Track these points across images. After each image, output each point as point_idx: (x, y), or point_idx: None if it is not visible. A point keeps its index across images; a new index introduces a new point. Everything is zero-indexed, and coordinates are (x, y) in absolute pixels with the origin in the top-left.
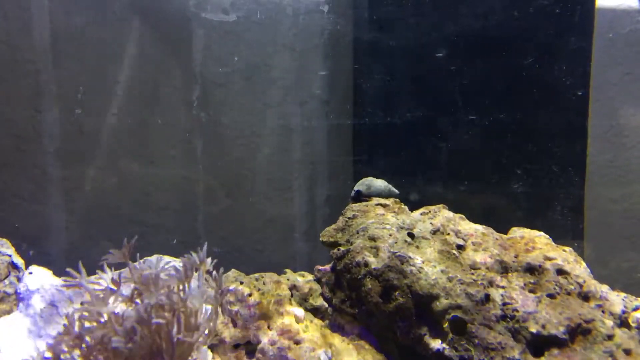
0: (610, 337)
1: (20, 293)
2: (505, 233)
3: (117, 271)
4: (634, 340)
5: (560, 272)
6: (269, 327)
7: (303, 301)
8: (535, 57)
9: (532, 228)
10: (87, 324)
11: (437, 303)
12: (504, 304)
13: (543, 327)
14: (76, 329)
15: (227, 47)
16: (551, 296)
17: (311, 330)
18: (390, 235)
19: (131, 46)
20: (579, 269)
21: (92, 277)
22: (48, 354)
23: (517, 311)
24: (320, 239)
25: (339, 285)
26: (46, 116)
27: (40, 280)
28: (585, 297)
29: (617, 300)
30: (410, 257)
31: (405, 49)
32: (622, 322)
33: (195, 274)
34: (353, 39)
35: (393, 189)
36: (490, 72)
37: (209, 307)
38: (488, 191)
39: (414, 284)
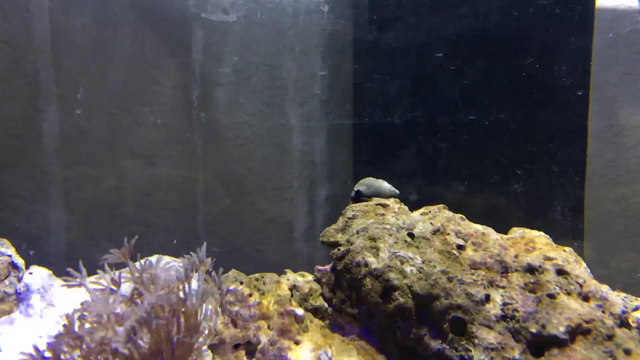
0: (610, 337)
1: (20, 293)
2: (505, 233)
3: (117, 271)
4: (634, 340)
5: (561, 272)
6: (269, 327)
7: (303, 301)
8: (535, 57)
9: (532, 228)
10: (87, 325)
11: (437, 303)
12: (504, 304)
13: (543, 327)
14: (76, 329)
15: (227, 47)
16: (551, 296)
17: (311, 331)
18: (391, 235)
19: (131, 46)
20: (579, 269)
21: (92, 277)
22: (48, 354)
23: (517, 311)
24: (320, 239)
25: (339, 286)
26: (46, 116)
27: (40, 280)
28: (585, 297)
29: (617, 300)
30: (410, 257)
31: (405, 49)
32: (622, 322)
33: (195, 274)
34: (353, 39)
35: (393, 189)
36: (490, 72)
37: (209, 307)
38: (488, 191)
39: (414, 284)
